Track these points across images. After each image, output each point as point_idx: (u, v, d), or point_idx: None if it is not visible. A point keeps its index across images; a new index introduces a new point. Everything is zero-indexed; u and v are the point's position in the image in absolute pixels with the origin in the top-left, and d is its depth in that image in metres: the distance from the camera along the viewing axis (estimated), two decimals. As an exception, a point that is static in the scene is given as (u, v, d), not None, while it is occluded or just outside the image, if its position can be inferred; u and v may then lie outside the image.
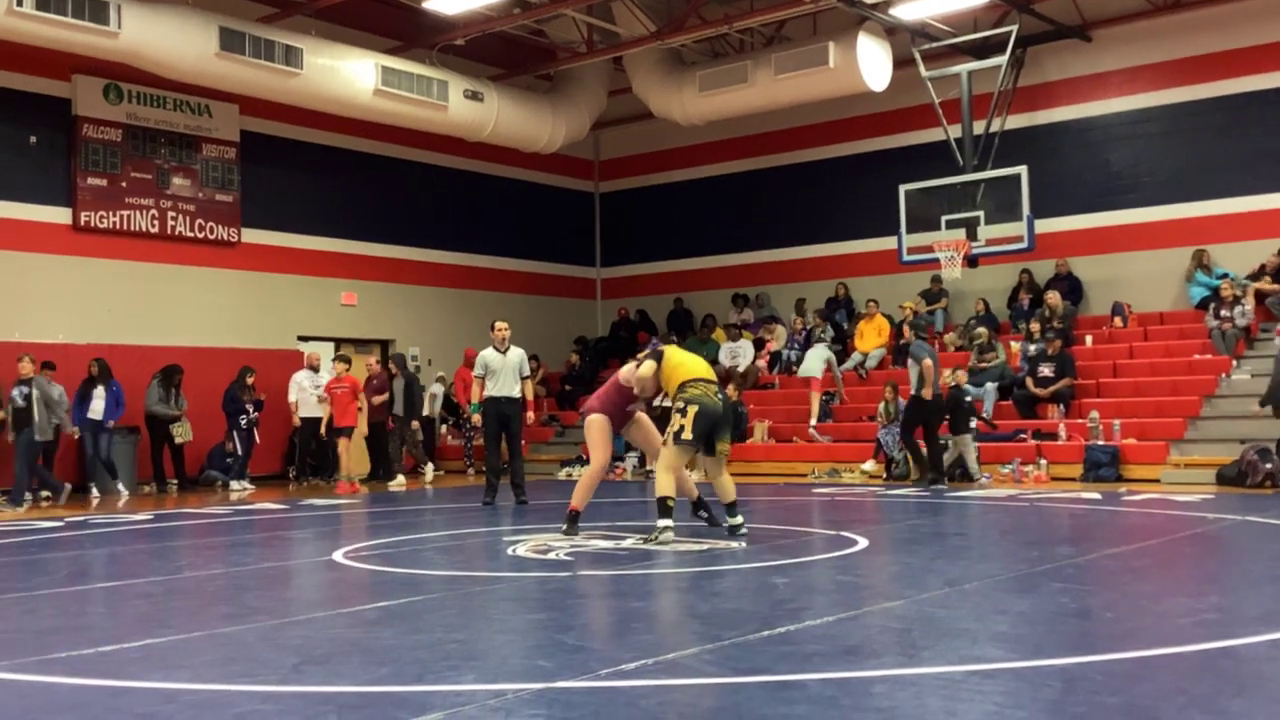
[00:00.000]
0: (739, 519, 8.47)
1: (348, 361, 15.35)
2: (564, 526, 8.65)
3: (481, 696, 3.99)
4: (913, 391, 13.94)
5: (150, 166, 16.77)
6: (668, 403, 8.78)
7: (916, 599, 5.88)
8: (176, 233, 17.00)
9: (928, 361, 13.61)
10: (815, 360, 17.29)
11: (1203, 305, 16.42)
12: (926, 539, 9.04)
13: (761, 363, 19.31)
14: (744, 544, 8.06)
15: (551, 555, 7.70)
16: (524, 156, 20.56)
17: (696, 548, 7.93)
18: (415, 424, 16.70)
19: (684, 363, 8.54)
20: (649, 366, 8.58)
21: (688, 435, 8.18)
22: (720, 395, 8.41)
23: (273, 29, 16.00)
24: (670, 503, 8.18)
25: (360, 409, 15.07)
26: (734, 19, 16.85)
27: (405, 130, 18.49)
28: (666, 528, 8.07)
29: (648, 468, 15.63)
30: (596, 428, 8.69)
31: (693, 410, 8.18)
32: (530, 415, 12.85)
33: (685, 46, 18.58)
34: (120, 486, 14.72)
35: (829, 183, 20.10)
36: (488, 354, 12.38)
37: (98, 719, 3.91)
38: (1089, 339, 17.02)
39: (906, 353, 14.70)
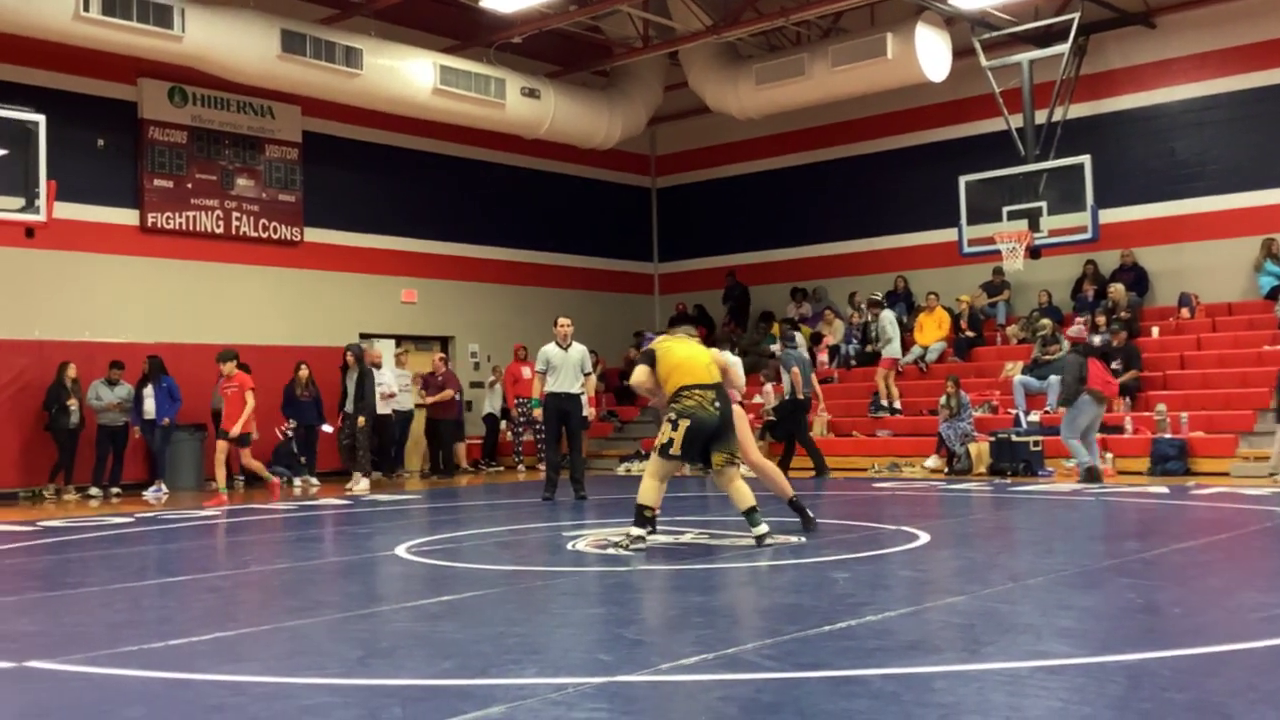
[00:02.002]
0: (762, 528, 7.68)
1: (235, 358, 13.46)
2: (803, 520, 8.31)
3: (543, 690, 4.02)
4: (786, 396, 15.28)
5: (215, 168, 17.04)
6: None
7: (979, 594, 5.83)
8: (241, 233, 17.26)
9: (795, 370, 14.90)
10: (894, 330, 17.31)
11: (1272, 295, 16.09)
12: (989, 534, 8.96)
13: (821, 356, 19.22)
14: (766, 545, 7.59)
15: (611, 550, 7.72)
16: (581, 153, 20.62)
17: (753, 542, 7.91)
18: (361, 420, 14.99)
19: (681, 363, 7.81)
20: (641, 371, 8.04)
21: (675, 450, 7.65)
22: (716, 403, 7.67)
23: (333, 30, 16.19)
24: (648, 512, 7.72)
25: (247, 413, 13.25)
26: (790, 12, 16.77)
27: (463, 128, 18.63)
28: (638, 536, 7.68)
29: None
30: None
31: (684, 425, 7.61)
32: (590, 411, 12.91)
33: (741, 40, 18.52)
34: (156, 488, 14.65)
35: (888, 175, 19.95)
36: (549, 349, 12.44)
37: (168, 711, 3.99)
38: (1155, 330, 16.75)
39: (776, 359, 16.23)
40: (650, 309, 23.18)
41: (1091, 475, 12.75)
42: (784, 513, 8.53)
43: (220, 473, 13.27)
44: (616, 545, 7.76)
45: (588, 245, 22.08)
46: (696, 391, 7.68)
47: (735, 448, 7.88)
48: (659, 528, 8.57)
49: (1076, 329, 16.10)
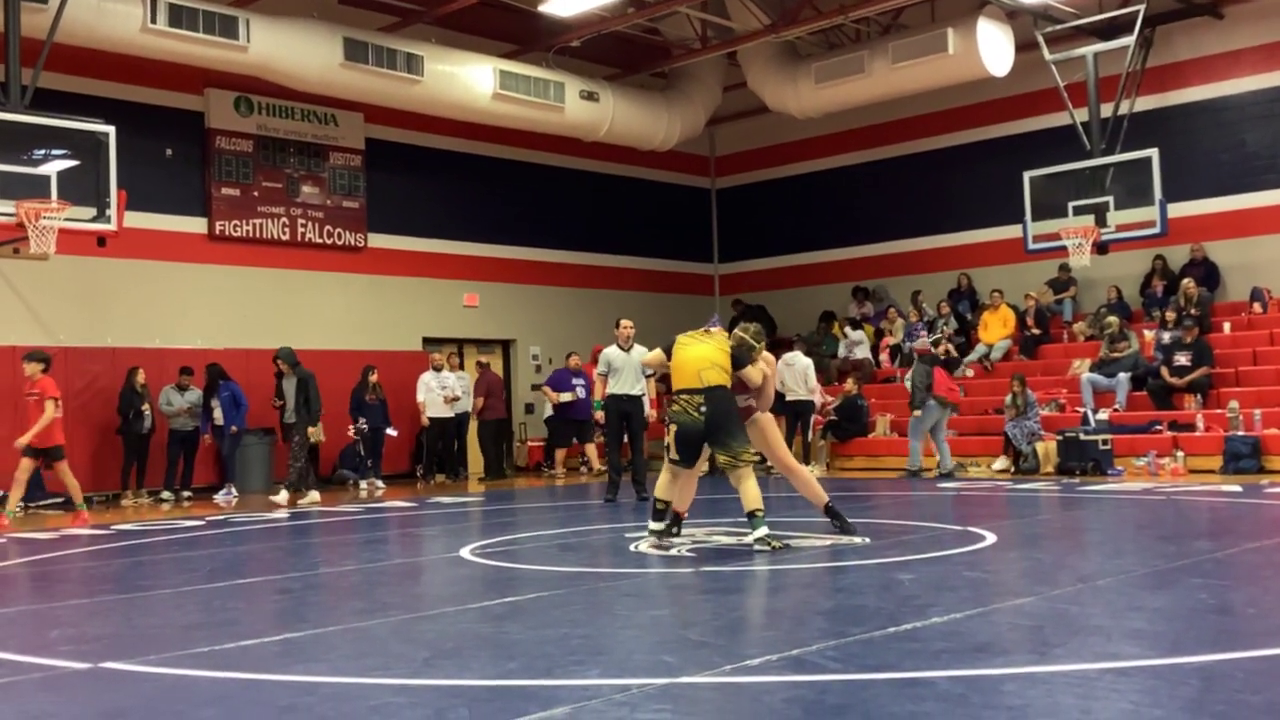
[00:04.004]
0: (760, 530, 7.58)
1: (43, 361, 11.84)
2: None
3: (607, 691, 4.03)
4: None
5: (280, 176, 17.29)
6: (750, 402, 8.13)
7: (1048, 595, 5.76)
8: (306, 239, 17.49)
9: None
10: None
11: (1349, 288, 15.72)
12: (1057, 534, 8.84)
13: (883, 356, 19.11)
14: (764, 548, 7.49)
15: (674, 551, 7.73)
16: (640, 155, 20.65)
17: (819, 543, 7.88)
18: (311, 430, 13.80)
19: (678, 366, 7.95)
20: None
21: (673, 455, 7.84)
22: (702, 407, 7.68)
23: (394, 38, 16.36)
24: (659, 505, 7.95)
25: (56, 422, 11.59)
26: (849, 9, 16.65)
27: (523, 132, 18.75)
28: (652, 531, 7.99)
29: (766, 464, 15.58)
30: None
31: (672, 430, 7.83)
32: (652, 413, 12.94)
33: (800, 39, 18.43)
34: (227, 491, 14.75)
35: (950, 171, 19.76)
36: (610, 352, 12.49)
37: (240, 711, 4.05)
38: (1227, 326, 16.42)
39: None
40: (711, 310, 23.11)
41: (948, 474, 14.51)
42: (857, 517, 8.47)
43: (15, 493, 11.78)
44: (653, 545, 7.90)
45: (648, 247, 22.10)
46: (683, 397, 7.84)
47: (737, 449, 7.71)
48: (721, 530, 8.56)
49: (920, 342, 17.24)
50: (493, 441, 17.72)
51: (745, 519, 7.75)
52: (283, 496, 13.48)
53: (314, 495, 13.70)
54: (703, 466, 8.28)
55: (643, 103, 19.23)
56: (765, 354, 8.24)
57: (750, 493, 7.68)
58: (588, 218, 21.18)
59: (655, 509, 8.04)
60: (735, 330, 8.20)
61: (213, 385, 15.05)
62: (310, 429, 13.87)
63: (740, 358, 7.92)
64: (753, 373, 8.00)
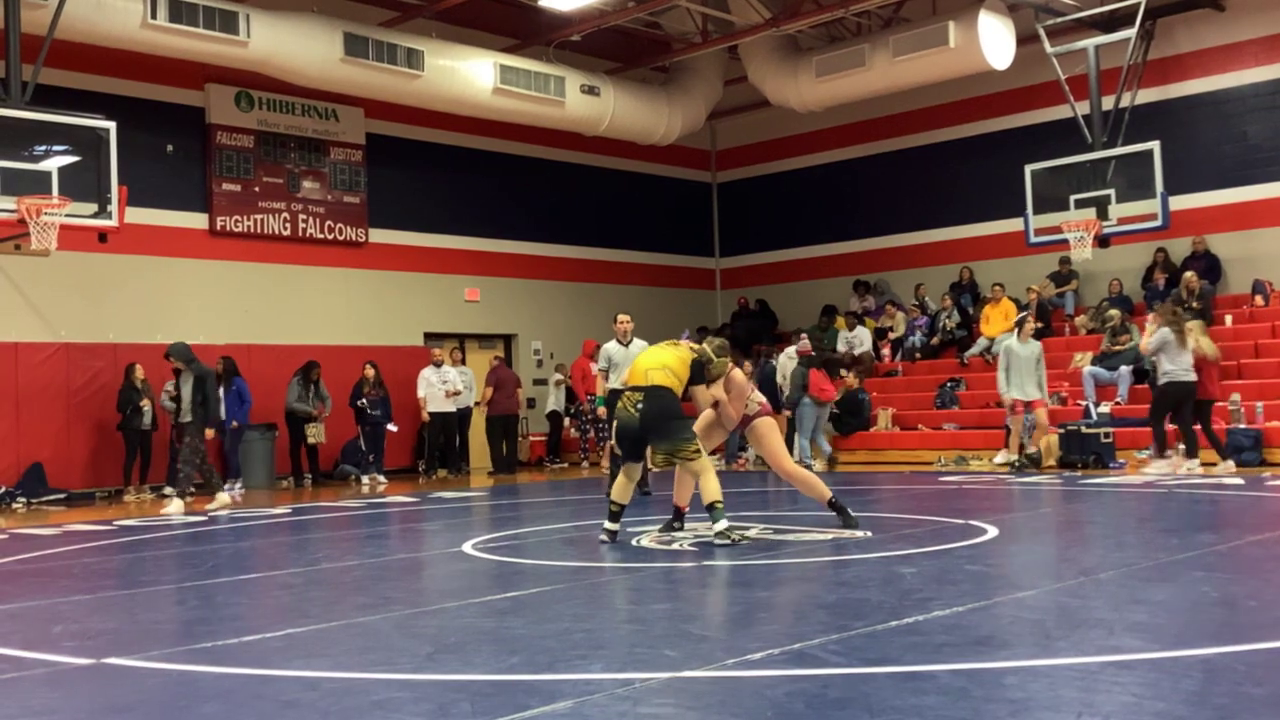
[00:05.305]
0: (720, 524, 7.56)
1: None
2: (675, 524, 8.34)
3: (610, 685, 4.03)
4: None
5: (281, 171, 17.29)
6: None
7: (1049, 589, 5.76)
8: (307, 234, 17.49)
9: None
10: (1027, 362, 14.49)
11: (1351, 281, 15.71)
12: (1059, 528, 8.84)
13: (885, 350, 19.11)
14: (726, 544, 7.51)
15: (675, 545, 7.73)
16: (641, 149, 20.65)
17: (821, 537, 7.89)
18: (210, 432, 12.68)
19: (634, 367, 7.99)
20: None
21: (617, 451, 8.02)
22: (639, 404, 7.64)
23: (394, 32, 16.36)
24: (613, 507, 7.97)
25: None
26: (850, 2, 16.62)
27: (524, 127, 18.74)
28: (607, 530, 8.00)
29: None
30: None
31: (615, 425, 8.01)
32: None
33: (801, 32, 18.42)
34: (229, 487, 13.88)
35: (952, 165, 19.75)
36: (610, 347, 12.47)
37: (243, 706, 4.05)
38: (1229, 319, 16.43)
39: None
40: (712, 304, 23.16)
41: (831, 463, 15.63)
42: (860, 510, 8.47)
43: None
44: (655, 539, 7.98)
45: (649, 241, 22.11)
46: (626, 393, 7.89)
47: (674, 446, 7.70)
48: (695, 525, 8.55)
49: (802, 343, 17.25)
50: (500, 437, 17.75)
51: (728, 513, 7.72)
52: (175, 506, 12.23)
53: (223, 499, 12.72)
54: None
55: (643, 97, 19.22)
56: (736, 373, 8.09)
57: (708, 485, 7.67)
58: (589, 212, 21.17)
59: (610, 510, 7.99)
60: (702, 343, 8.15)
61: (225, 379, 15.03)
62: (208, 430, 12.73)
63: (697, 372, 7.82)
64: (701, 396, 7.90)
